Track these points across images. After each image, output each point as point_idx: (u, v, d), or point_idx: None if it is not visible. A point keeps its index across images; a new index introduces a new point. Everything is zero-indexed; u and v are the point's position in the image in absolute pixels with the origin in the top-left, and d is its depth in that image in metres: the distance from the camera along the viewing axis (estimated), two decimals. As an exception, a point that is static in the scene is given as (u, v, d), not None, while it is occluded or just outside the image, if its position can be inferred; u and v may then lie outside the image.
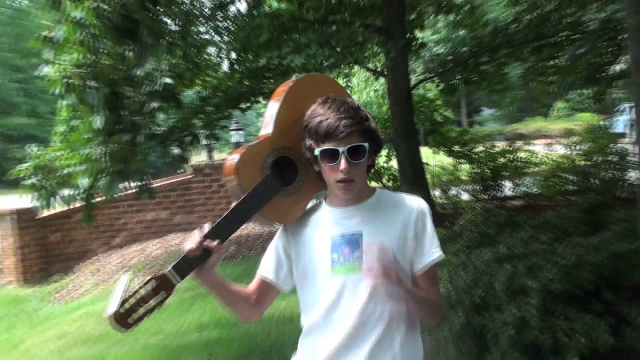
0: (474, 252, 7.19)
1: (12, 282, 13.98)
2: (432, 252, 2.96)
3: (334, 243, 2.97)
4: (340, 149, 2.82)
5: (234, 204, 3.01)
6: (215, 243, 2.91)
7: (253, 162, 3.02)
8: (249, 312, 3.14)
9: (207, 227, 2.92)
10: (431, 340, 7.42)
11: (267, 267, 3.16)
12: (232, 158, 3.05)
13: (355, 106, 2.90)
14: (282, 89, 3.12)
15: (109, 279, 13.35)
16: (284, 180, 3.05)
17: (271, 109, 3.10)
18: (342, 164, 2.83)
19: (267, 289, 3.18)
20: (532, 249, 6.77)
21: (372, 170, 3.07)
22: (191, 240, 2.88)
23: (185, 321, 9.46)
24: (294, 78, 3.23)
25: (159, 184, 15.04)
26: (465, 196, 14.81)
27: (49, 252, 14.64)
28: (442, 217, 12.78)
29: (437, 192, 14.49)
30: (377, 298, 2.91)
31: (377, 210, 2.98)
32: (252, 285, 3.20)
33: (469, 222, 8.20)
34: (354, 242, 2.94)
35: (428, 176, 14.16)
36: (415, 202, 3.01)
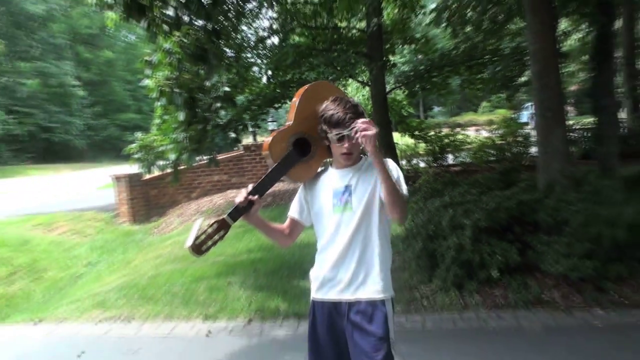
0: (428, 201, 7.21)
1: (125, 222, 14.03)
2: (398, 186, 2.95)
3: (334, 193, 3.07)
4: (346, 133, 2.94)
5: (268, 170, 3.11)
6: (256, 197, 3.03)
7: (281, 141, 3.11)
8: (284, 241, 3.22)
9: (250, 186, 3.04)
10: (399, 259, 7.43)
11: (294, 210, 3.24)
12: (267, 139, 3.15)
13: (355, 104, 3.00)
14: (300, 92, 3.17)
15: (189, 219, 13.38)
16: (301, 153, 3.13)
17: (293, 105, 3.16)
18: (347, 143, 2.98)
19: (295, 225, 3.26)
20: (466, 198, 6.79)
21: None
22: (240, 195, 3.01)
23: (239, 247, 9.49)
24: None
25: (221, 157, 15.15)
26: (422, 164, 14.86)
27: (150, 202, 14.68)
28: (407, 178, 12.77)
29: (403, 162, 14.58)
30: (360, 228, 3.00)
31: (362, 169, 3.05)
32: (285, 223, 3.28)
33: (425, 182, 8.22)
34: (346, 191, 3.04)
35: (398, 151, 14.38)
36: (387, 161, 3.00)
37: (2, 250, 10.65)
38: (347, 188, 3.04)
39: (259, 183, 3.08)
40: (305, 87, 3.21)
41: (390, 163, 3.03)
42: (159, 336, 5.92)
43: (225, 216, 3.00)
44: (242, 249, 9.36)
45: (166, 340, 5.81)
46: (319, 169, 3.23)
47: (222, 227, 2.99)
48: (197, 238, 2.94)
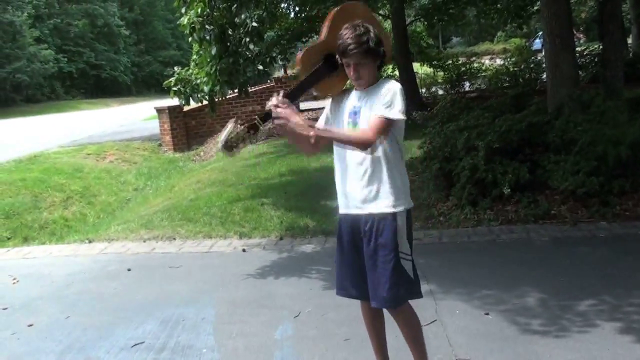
0: (445, 125, 7.06)
1: (168, 150, 14.11)
2: (379, 109, 2.79)
3: (349, 112, 2.94)
4: (351, 62, 2.82)
5: (299, 81, 3.03)
6: (286, 103, 2.85)
7: (312, 56, 3.00)
8: (309, 149, 2.97)
9: (282, 93, 2.87)
10: (418, 180, 7.37)
11: (321, 121, 3.06)
12: (300, 53, 3.07)
13: (361, 32, 2.79)
14: (332, 12, 3.05)
15: (226, 147, 13.39)
16: (330, 69, 2.99)
17: (325, 23, 3.03)
18: (352, 71, 2.85)
19: None
20: (480, 122, 6.64)
21: (382, 65, 2.98)
22: (272, 100, 2.85)
23: (271, 171, 9.49)
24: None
25: (254, 89, 15.04)
26: (440, 92, 14.59)
27: (190, 132, 14.72)
28: (426, 105, 12.60)
29: (423, 90, 14.31)
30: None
31: (373, 92, 2.86)
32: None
33: (442, 107, 8.04)
34: (356, 112, 2.91)
35: (417, 80, 14.15)
36: (389, 84, 2.85)
37: (58, 177, 10.80)
38: (357, 108, 2.91)
39: (290, 91, 2.98)
40: (340, 6, 3.07)
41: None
42: (199, 253, 6.00)
43: (255, 119, 2.92)
44: (274, 173, 9.36)
45: (205, 257, 5.88)
46: (345, 87, 3.09)
47: (251, 128, 2.89)
48: (228, 139, 2.85)
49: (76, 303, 4.85)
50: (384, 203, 2.88)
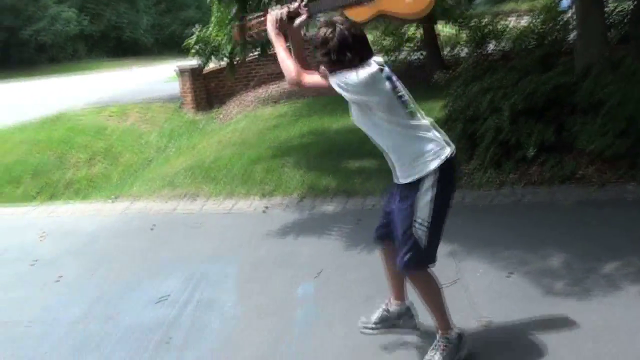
0: (468, 87, 6.94)
1: (189, 111, 14.09)
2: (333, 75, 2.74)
3: None
4: None
5: None
6: (306, 9, 2.83)
7: None
8: (295, 79, 2.86)
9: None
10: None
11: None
12: None
13: (322, 41, 2.75)
14: None
15: (246, 108, 13.36)
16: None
17: None
18: None
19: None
20: (505, 83, 6.49)
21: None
22: (294, 3, 2.84)
23: (292, 132, 9.45)
24: None
25: (272, 51, 14.89)
26: (463, 53, 14.34)
27: (211, 93, 14.65)
28: (448, 66, 12.41)
29: (446, 51, 14.07)
30: (370, 127, 2.91)
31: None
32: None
33: (465, 68, 7.89)
34: None
35: (440, 40, 13.94)
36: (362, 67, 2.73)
37: (82, 137, 10.88)
38: None
39: (315, 2, 2.90)
40: None
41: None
42: (221, 212, 6.03)
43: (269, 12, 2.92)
44: (296, 134, 9.32)
45: (227, 216, 5.91)
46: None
47: (264, 15, 2.93)
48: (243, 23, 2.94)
49: (102, 259, 4.92)
50: (402, 174, 2.87)
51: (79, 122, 11.90)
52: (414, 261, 2.89)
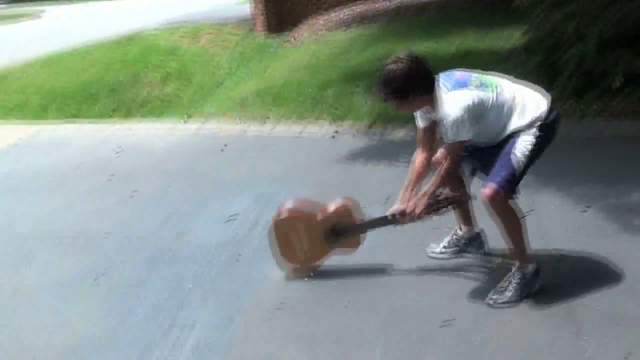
0: (552, 12, 6.56)
1: (261, 34, 13.99)
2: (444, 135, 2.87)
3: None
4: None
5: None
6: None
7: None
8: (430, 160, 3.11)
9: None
10: (520, 70, 6.97)
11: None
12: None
13: (383, 82, 2.84)
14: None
15: (317, 32, 13.16)
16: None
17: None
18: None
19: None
20: (593, 8, 6.08)
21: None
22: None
23: (363, 57, 9.26)
24: None
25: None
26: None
27: (282, 15, 14.45)
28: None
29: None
30: None
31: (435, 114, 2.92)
32: (417, 146, 3.15)
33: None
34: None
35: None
36: (447, 109, 2.79)
37: (155, 57, 11.02)
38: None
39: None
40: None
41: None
42: (290, 135, 6.03)
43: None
44: (367, 59, 9.12)
45: (296, 140, 5.91)
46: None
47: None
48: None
49: (175, 176, 5.05)
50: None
51: (153, 42, 12.04)
52: (505, 187, 2.86)
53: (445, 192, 3.12)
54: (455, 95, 2.78)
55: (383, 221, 3.21)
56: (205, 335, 2.86)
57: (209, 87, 10.38)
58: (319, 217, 3.30)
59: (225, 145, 5.77)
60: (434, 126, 3.05)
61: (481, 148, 3.04)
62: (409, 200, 3.07)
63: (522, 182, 2.99)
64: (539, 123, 2.88)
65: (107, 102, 8.72)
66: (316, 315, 2.98)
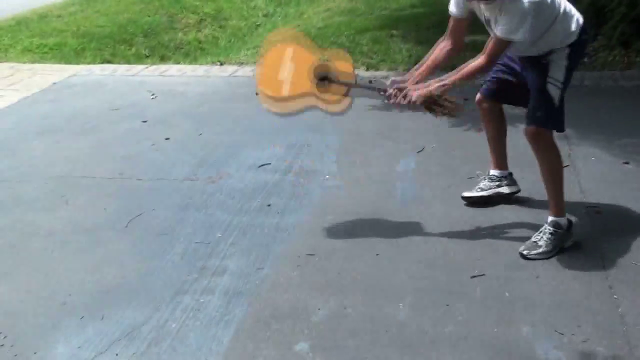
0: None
1: (298, -24, 13.70)
2: (497, 29, 2.64)
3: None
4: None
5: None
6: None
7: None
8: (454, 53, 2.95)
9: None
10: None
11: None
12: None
13: None
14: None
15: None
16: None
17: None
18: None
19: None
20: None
21: None
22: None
23: (402, 2, 9.03)
24: None
25: None
26: None
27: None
28: None
29: None
30: None
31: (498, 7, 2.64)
32: (446, 35, 2.97)
33: None
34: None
35: None
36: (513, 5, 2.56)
37: (192, -1, 10.89)
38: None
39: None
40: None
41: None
42: (326, 81, 5.94)
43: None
44: (406, 4, 8.91)
45: (332, 85, 5.82)
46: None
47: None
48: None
49: (208, 121, 5.03)
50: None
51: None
52: (545, 118, 2.80)
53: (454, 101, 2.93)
54: None
55: (377, 89, 3.03)
56: (235, 281, 2.88)
57: (244, 31, 10.25)
58: (315, 56, 3.07)
59: (258, 94, 5.70)
60: (468, 19, 2.88)
61: (511, 71, 2.97)
62: (415, 81, 2.92)
63: (561, 134, 2.91)
64: (574, 39, 2.74)
65: (143, 44, 8.68)
66: (345, 264, 2.97)
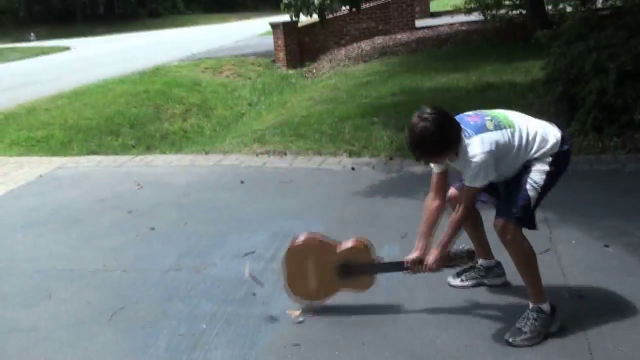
0: (572, 46, 6.55)
1: (282, 67, 14.18)
2: (465, 179, 2.89)
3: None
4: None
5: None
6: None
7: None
8: (444, 206, 3.14)
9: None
10: (538, 103, 6.99)
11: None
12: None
13: (415, 145, 2.82)
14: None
15: (337, 65, 13.28)
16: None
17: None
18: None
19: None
20: (613, 42, 6.07)
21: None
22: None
23: (383, 91, 9.32)
24: None
25: (368, 5, 14.72)
26: (569, 8, 13.51)
27: (303, 48, 14.66)
28: (551, 22, 11.76)
29: (549, 6, 13.24)
30: None
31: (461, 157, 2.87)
32: (432, 191, 3.16)
33: (570, 26, 7.43)
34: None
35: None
36: (470, 153, 2.80)
37: (178, 90, 11.19)
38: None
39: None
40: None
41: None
42: (309, 168, 6.05)
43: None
44: (386, 92, 9.19)
45: (315, 173, 5.93)
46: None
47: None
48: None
49: (193, 211, 5.07)
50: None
51: (176, 76, 12.24)
52: (518, 215, 2.88)
53: (461, 247, 3.14)
54: (479, 140, 2.79)
55: (397, 266, 3.20)
56: (220, 374, 2.84)
57: (229, 120, 10.50)
58: (334, 251, 3.28)
59: (244, 179, 5.79)
60: (447, 169, 3.06)
61: (495, 183, 3.04)
62: (424, 248, 3.07)
63: (540, 218, 2.97)
64: (554, 151, 2.89)
65: (129, 135, 8.85)
66: (332, 354, 2.94)
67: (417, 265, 3.08)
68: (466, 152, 2.79)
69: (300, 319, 3.27)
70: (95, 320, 3.42)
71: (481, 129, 2.82)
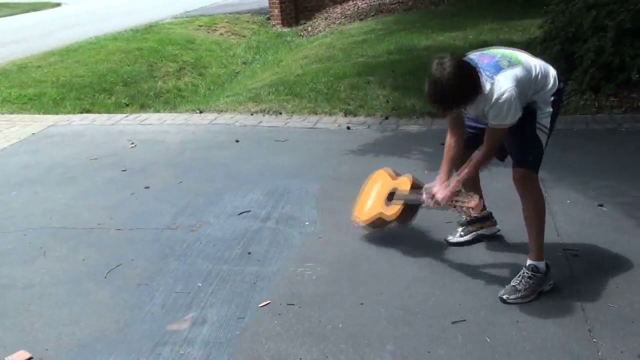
0: (570, 3, 6.46)
1: (276, 25, 13.93)
2: (489, 120, 2.80)
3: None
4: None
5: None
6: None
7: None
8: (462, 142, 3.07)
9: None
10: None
11: None
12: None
13: (435, 95, 2.69)
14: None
15: (333, 23, 13.10)
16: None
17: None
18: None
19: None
20: (611, -1, 5.98)
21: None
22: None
23: (379, 49, 9.20)
24: None
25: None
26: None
27: (298, 6, 14.36)
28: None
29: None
30: None
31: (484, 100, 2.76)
32: (449, 130, 3.09)
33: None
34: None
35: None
36: (495, 94, 2.71)
37: (171, 48, 11.01)
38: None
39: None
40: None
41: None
42: (305, 128, 6.00)
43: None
44: (382, 51, 9.07)
45: (311, 132, 5.88)
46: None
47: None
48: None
49: (188, 169, 5.04)
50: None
51: (169, 33, 12.03)
52: (534, 162, 2.89)
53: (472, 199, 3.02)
54: (502, 78, 2.71)
55: (418, 203, 3.26)
56: (215, 331, 2.85)
57: (224, 78, 10.38)
58: (391, 179, 3.61)
59: (239, 139, 5.74)
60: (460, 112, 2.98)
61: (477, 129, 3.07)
62: (442, 182, 3.02)
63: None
64: (554, 90, 2.88)
65: (122, 93, 8.73)
66: (327, 311, 2.96)
67: (430, 198, 3.05)
68: (492, 92, 2.70)
69: None
70: (91, 277, 3.43)
71: (498, 68, 2.75)
